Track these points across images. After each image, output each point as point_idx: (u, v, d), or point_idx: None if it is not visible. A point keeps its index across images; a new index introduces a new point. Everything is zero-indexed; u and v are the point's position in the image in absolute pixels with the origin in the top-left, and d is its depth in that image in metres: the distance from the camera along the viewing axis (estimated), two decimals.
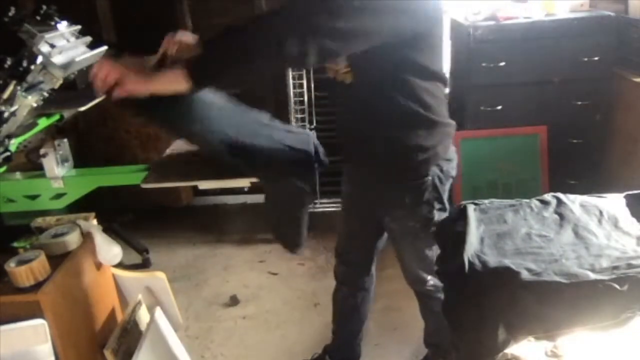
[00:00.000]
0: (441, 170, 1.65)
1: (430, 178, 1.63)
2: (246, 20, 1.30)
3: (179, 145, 2.81)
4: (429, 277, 1.79)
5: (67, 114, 2.50)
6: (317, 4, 1.26)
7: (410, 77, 1.51)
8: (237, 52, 1.22)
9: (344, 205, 1.93)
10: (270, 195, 1.70)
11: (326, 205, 3.24)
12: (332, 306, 2.06)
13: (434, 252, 1.73)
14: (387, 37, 1.36)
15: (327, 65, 1.58)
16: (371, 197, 1.75)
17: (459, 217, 1.66)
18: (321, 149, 1.62)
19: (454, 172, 1.72)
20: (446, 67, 3.10)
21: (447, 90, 1.68)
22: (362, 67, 1.52)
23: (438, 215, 1.69)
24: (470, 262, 1.41)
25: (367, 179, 1.73)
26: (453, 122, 1.70)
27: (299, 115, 2.97)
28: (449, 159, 1.69)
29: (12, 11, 2.10)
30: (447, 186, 1.71)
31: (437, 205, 1.67)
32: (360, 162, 1.72)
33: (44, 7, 2.27)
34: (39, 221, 1.91)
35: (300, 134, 1.66)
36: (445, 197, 1.70)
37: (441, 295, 1.81)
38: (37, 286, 1.52)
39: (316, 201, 3.21)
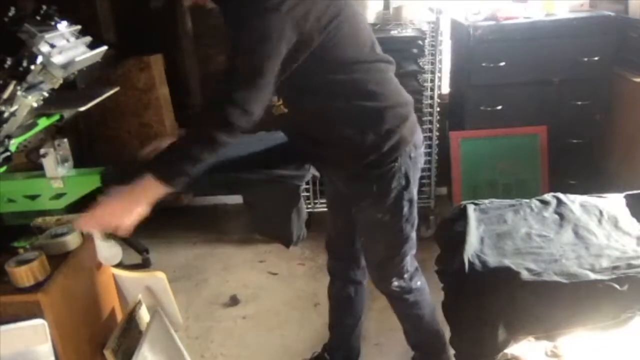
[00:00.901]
0: (409, 157, 1.60)
1: (397, 164, 1.58)
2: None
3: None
4: (394, 278, 1.75)
5: (67, 114, 2.50)
6: (230, 79, 1.37)
7: (341, 77, 1.48)
8: (197, 148, 1.37)
9: (327, 201, 1.94)
10: (262, 198, 1.70)
11: (322, 206, 3.23)
12: (328, 302, 2.06)
13: (404, 251, 1.71)
14: (298, 60, 1.39)
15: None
16: (344, 190, 1.72)
17: (459, 217, 1.67)
18: None
19: (422, 160, 1.67)
20: (446, 67, 3.10)
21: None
22: (291, 93, 1.52)
23: (408, 208, 1.64)
24: (470, 262, 1.42)
25: (337, 174, 1.71)
26: (409, 100, 1.63)
27: None
28: (417, 145, 1.63)
29: (12, 11, 2.10)
30: (417, 176, 1.66)
31: (405, 196, 1.62)
32: (328, 166, 1.71)
33: (44, 7, 2.27)
34: (39, 221, 1.91)
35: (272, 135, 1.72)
36: (415, 188, 1.65)
37: (409, 297, 1.79)
38: (37, 286, 1.52)
39: (316, 201, 3.21)
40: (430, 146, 2.85)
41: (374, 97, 1.52)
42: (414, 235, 1.72)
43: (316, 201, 3.20)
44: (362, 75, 1.51)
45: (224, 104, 1.34)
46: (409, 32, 2.76)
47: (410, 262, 1.75)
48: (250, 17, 1.34)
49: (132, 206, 1.35)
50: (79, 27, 2.47)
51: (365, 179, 1.61)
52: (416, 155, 1.62)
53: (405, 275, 1.75)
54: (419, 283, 1.81)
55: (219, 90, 1.41)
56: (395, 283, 1.76)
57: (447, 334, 1.58)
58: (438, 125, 2.89)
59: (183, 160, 1.36)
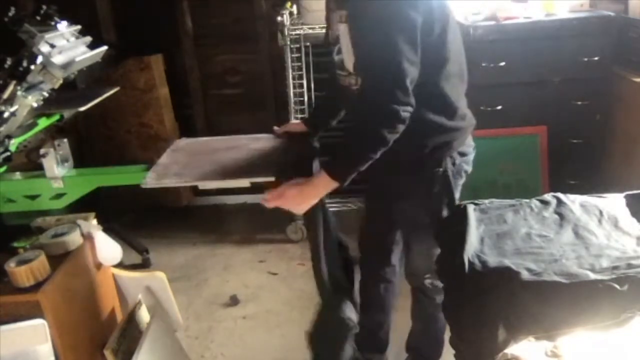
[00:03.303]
0: (453, 164, 1.64)
1: (441, 170, 1.63)
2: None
3: (179, 146, 2.80)
4: (428, 275, 1.80)
5: (67, 114, 2.50)
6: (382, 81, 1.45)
7: (425, 81, 1.51)
8: (364, 157, 1.48)
9: (365, 199, 1.98)
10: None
11: (328, 205, 3.23)
12: (359, 296, 2.08)
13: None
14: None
15: (339, 73, 1.65)
16: (383, 188, 1.76)
17: (459, 217, 1.66)
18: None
19: (467, 168, 1.71)
20: None
21: (464, 86, 1.68)
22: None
23: (447, 212, 1.68)
24: (470, 262, 1.41)
25: (379, 171, 1.73)
26: (472, 121, 1.70)
27: (299, 116, 2.97)
28: (464, 153, 1.67)
29: (12, 11, 2.10)
30: (460, 182, 1.70)
31: (445, 200, 1.67)
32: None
33: (44, 7, 2.27)
34: (39, 221, 1.91)
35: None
36: (456, 194, 1.69)
37: (437, 297, 1.84)
38: (37, 286, 1.52)
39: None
40: None
41: (444, 112, 1.58)
42: None
43: None
44: (442, 90, 1.57)
45: (388, 104, 1.42)
46: None
47: None
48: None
49: (309, 198, 1.51)
50: (79, 27, 2.48)
51: (410, 181, 1.65)
52: (461, 162, 1.67)
53: None
54: None
55: (376, 92, 1.46)
56: (429, 280, 1.81)
57: (447, 334, 1.58)
58: None
59: (356, 162, 1.48)
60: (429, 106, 1.54)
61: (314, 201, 1.51)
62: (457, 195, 1.70)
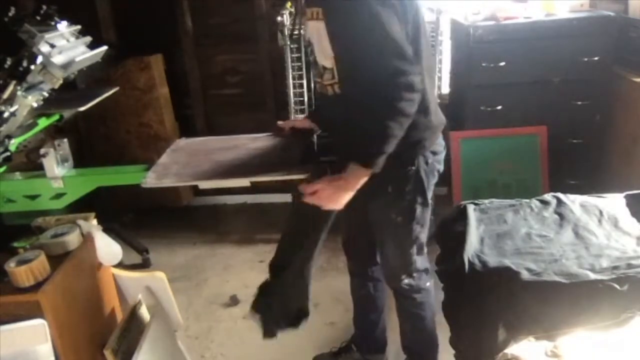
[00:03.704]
0: (426, 163, 1.64)
1: (414, 168, 1.63)
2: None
3: (179, 146, 2.80)
4: (404, 276, 1.79)
5: (67, 114, 2.50)
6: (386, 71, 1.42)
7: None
8: (388, 136, 1.44)
9: None
10: None
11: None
12: (352, 298, 2.11)
13: (414, 251, 1.75)
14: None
15: (313, 72, 1.63)
16: (360, 188, 1.75)
17: (459, 217, 1.67)
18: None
19: (440, 166, 1.71)
20: (446, 67, 3.10)
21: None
22: (348, 80, 1.54)
23: (420, 211, 1.68)
24: (470, 262, 1.42)
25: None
26: (442, 119, 1.70)
27: (299, 115, 2.97)
28: (435, 151, 1.67)
29: (12, 11, 2.10)
30: (432, 182, 1.69)
31: (419, 199, 1.67)
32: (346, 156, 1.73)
33: (44, 7, 2.28)
34: (39, 221, 1.91)
35: None
36: (429, 193, 1.69)
37: (417, 297, 1.84)
38: (37, 286, 1.52)
39: None
40: None
41: (419, 111, 1.55)
42: (423, 236, 1.76)
43: None
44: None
45: (397, 77, 1.39)
46: None
47: (420, 262, 1.78)
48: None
49: (344, 195, 1.49)
50: (79, 27, 2.48)
51: (382, 180, 1.63)
52: (433, 161, 1.66)
53: (415, 274, 1.79)
54: (427, 284, 1.84)
55: (381, 71, 1.42)
56: (405, 281, 1.80)
57: (447, 334, 1.58)
58: None
59: (383, 142, 1.44)
60: None
61: (350, 195, 1.50)
62: (430, 194, 1.69)
